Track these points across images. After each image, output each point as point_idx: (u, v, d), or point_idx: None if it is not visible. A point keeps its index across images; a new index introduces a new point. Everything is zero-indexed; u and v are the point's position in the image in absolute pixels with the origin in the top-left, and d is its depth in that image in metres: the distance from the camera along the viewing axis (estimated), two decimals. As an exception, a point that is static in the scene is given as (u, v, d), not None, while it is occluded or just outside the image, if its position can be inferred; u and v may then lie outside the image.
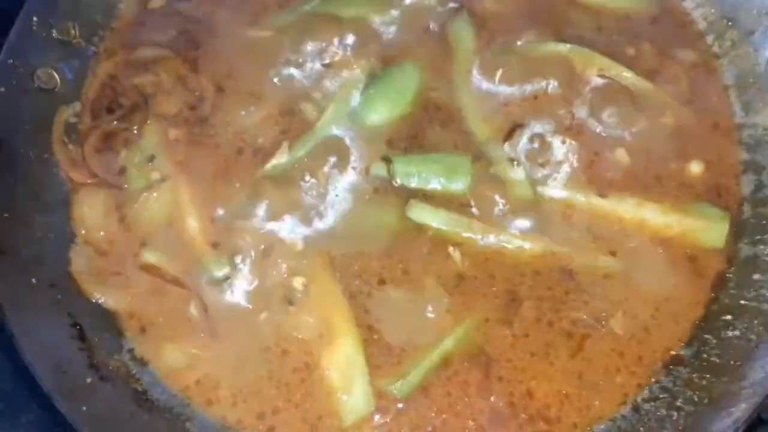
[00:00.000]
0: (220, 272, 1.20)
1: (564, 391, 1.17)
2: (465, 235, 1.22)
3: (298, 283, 1.19)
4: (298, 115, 1.29)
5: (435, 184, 1.25)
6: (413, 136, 1.29)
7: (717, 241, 1.24)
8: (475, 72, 1.34)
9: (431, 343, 1.16)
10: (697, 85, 1.38)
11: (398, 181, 1.25)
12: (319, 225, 1.24)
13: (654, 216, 1.24)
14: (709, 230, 1.24)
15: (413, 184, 1.25)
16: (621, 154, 1.29)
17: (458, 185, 1.25)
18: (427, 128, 1.30)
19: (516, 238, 1.22)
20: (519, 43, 1.35)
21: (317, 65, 1.34)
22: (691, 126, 1.33)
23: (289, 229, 1.23)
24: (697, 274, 1.23)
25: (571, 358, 1.17)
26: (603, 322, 1.19)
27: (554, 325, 1.20)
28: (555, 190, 1.26)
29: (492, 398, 1.15)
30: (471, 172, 1.24)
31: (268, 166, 1.25)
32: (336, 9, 1.37)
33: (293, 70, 1.34)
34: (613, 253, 1.23)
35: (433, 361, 1.15)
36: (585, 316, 1.19)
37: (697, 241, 1.24)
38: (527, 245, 1.22)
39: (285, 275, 1.20)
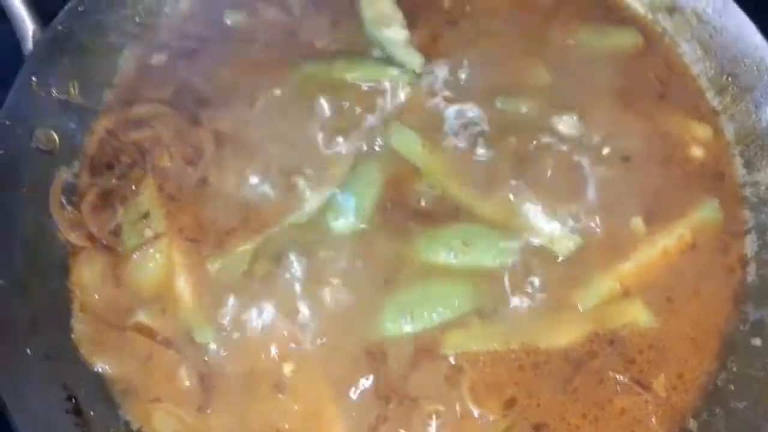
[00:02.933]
0: (204, 339, 1.18)
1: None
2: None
3: (288, 369, 1.16)
4: (294, 188, 1.28)
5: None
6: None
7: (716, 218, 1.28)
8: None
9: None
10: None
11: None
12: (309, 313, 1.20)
13: (668, 240, 1.25)
14: (705, 211, 1.28)
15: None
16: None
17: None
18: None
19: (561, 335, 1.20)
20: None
21: (320, 134, 1.32)
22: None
23: (278, 310, 1.19)
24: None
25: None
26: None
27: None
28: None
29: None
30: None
31: (260, 239, 1.23)
32: (347, 72, 1.37)
33: (297, 135, 1.33)
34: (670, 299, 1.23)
35: None
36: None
37: (704, 227, 1.27)
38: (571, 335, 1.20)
39: (275, 359, 1.17)
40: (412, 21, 1.43)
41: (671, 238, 1.26)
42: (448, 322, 1.18)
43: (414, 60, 1.39)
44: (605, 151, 1.32)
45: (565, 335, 1.18)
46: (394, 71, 1.37)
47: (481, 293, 1.20)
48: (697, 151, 1.36)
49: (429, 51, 1.40)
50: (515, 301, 1.20)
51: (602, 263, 1.23)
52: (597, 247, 1.24)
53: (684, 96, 1.44)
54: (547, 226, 1.24)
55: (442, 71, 1.38)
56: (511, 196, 1.27)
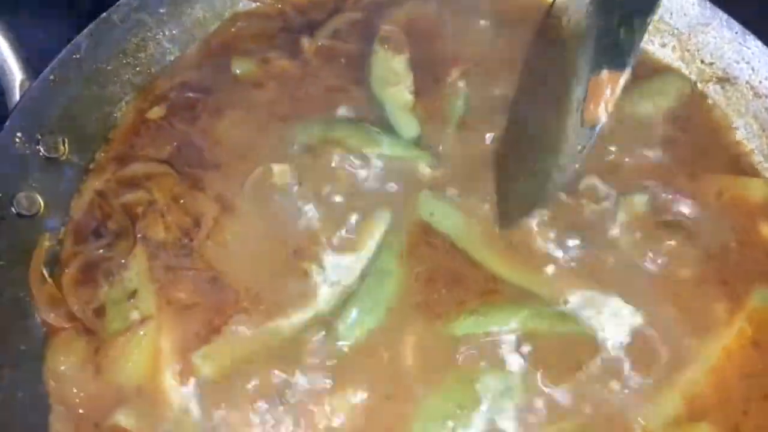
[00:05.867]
0: None
1: None
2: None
3: None
4: (305, 276, 1.14)
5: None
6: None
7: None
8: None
9: None
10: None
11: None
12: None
13: (727, 337, 1.12)
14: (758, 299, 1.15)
15: None
16: None
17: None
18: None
19: None
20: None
21: (338, 208, 1.19)
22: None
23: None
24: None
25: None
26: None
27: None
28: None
29: None
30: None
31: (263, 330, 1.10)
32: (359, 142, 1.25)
33: (311, 210, 1.19)
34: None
35: None
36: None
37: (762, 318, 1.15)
38: None
39: None
40: (420, 90, 1.31)
41: (730, 335, 1.13)
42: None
43: (410, 128, 1.27)
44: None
45: None
46: (412, 152, 1.24)
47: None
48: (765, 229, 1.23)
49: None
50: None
51: (667, 370, 1.09)
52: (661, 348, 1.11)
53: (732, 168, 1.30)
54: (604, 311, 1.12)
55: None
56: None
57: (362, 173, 1.23)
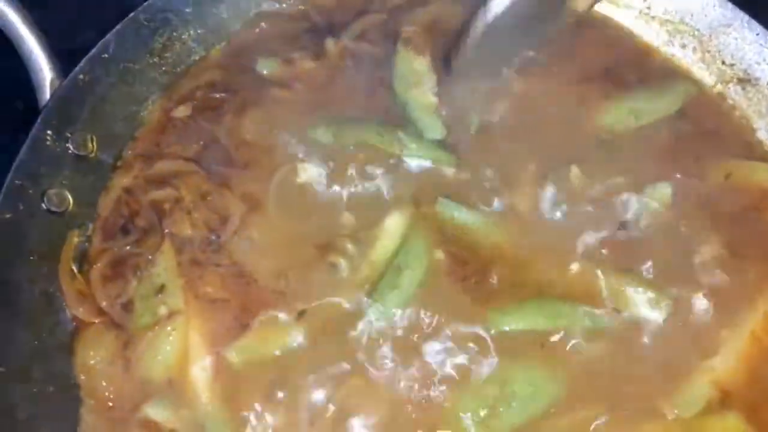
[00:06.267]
0: None
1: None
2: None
3: None
4: (333, 268, 1.15)
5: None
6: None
7: None
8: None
9: None
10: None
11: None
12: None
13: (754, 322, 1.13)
14: None
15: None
16: None
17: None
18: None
19: None
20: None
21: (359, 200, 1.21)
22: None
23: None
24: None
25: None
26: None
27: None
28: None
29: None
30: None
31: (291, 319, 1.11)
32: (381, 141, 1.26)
33: (335, 205, 1.21)
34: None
35: None
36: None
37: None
38: None
39: None
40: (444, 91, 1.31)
41: (755, 319, 1.14)
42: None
43: (434, 129, 1.27)
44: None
45: None
46: (436, 153, 1.25)
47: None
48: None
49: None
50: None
51: (697, 357, 1.11)
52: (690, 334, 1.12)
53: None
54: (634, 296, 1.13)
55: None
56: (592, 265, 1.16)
57: (387, 172, 1.24)
